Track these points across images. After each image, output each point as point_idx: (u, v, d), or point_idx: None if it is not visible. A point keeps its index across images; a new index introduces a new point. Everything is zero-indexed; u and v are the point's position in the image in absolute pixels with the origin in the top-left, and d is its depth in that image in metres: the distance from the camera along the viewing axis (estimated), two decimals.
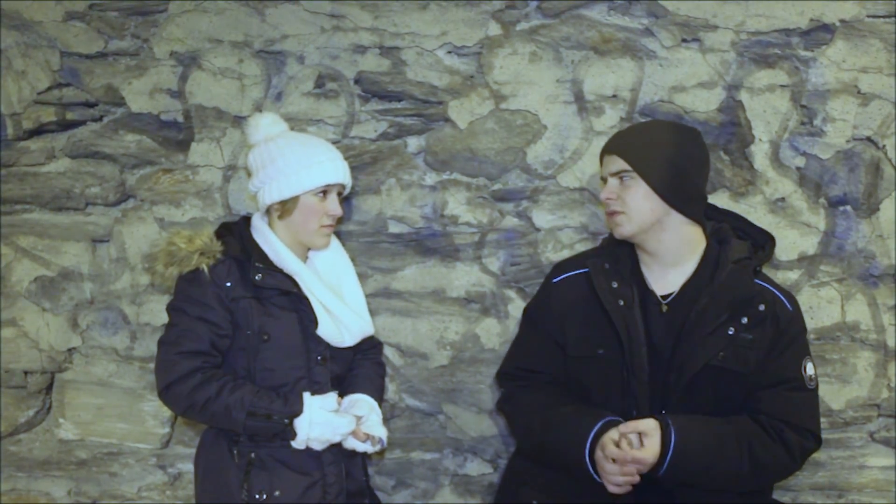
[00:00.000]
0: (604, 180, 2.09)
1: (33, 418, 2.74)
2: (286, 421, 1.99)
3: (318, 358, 2.10)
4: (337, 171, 2.11)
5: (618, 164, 2.02)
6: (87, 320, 2.69)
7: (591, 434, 1.95)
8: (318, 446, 2.03)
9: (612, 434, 1.93)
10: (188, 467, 2.67)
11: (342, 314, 2.13)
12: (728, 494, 1.99)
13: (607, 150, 2.08)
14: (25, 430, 2.74)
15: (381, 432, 2.12)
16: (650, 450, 1.90)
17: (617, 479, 1.92)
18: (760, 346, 1.98)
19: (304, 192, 2.08)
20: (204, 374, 2.00)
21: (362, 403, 2.14)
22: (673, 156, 1.99)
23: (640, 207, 2.00)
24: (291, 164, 2.07)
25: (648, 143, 2.01)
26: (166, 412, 2.68)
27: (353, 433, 2.06)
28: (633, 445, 1.91)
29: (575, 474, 1.99)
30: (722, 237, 2.08)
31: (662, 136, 2.03)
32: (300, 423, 2.00)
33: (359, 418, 2.09)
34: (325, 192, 2.11)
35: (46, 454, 2.74)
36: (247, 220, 2.20)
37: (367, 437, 2.08)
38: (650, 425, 1.92)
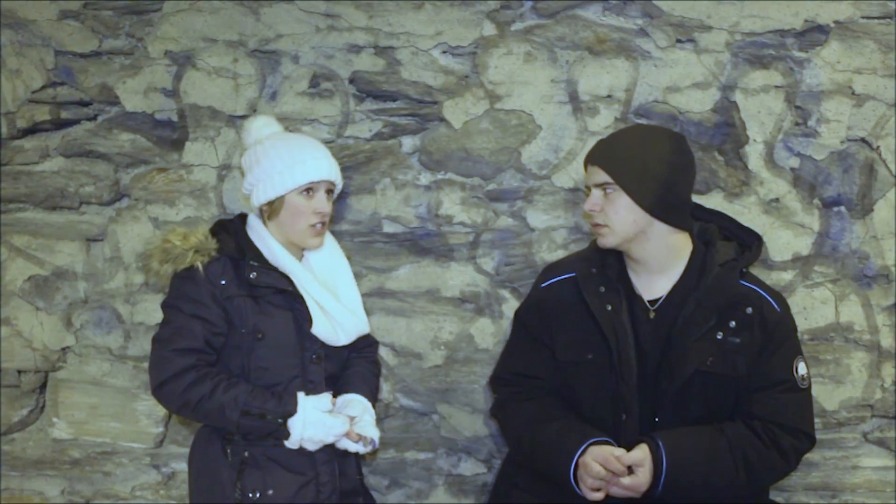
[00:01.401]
0: (588, 188, 2.07)
1: (27, 417, 2.74)
2: (280, 421, 1.99)
3: (313, 356, 2.10)
4: (319, 168, 2.08)
5: (601, 176, 1.99)
6: (81, 319, 2.68)
7: (574, 459, 1.95)
8: (311, 446, 2.03)
9: (597, 457, 1.93)
10: (182, 467, 2.67)
11: (337, 313, 2.13)
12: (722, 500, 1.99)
13: (591, 160, 2.04)
14: (19, 429, 2.74)
15: (373, 433, 2.11)
16: (642, 479, 1.91)
17: (595, 495, 1.93)
18: (749, 350, 1.97)
19: (287, 192, 2.07)
20: (198, 371, 1.99)
21: (356, 404, 2.14)
22: (657, 167, 1.96)
23: (623, 220, 1.97)
24: (275, 164, 2.07)
25: (632, 155, 1.97)
26: (160, 411, 2.67)
27: (346, 434, 2.06)
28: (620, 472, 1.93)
29: (564, 491, 2.00)
30: (708, 239, 2.07)
31: (646, 146, 1.99)
32: (294, 424, 1.99)
33: (352, 419, 2.09)
34: (310, 190, 2.09)
35: (40, 453, 2.74)
36: (243, 218, 2.20)
37: (360, 438, 2.08)
38: (641, 457, 1.92)
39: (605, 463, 1.91)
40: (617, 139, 2.08)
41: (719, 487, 1.94)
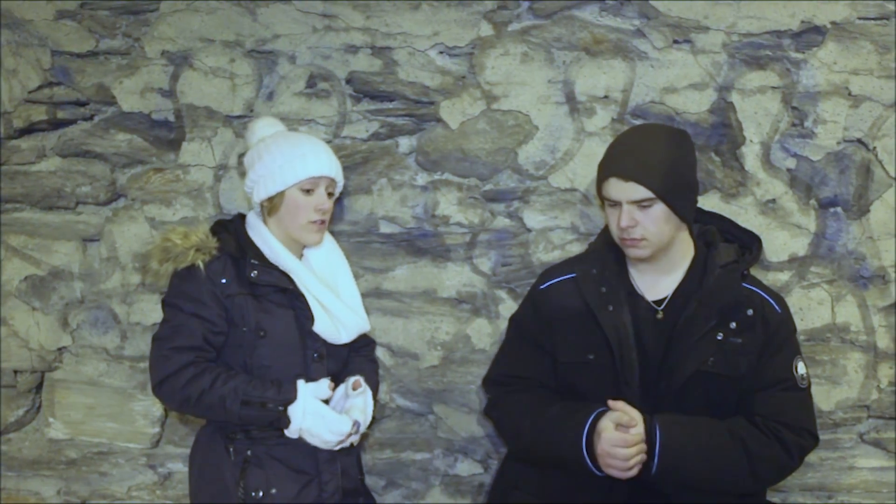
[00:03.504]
0: (607, 201, 2.00)
1: (23, 417, 2.74)
2: (280, 408, 1.98)
3: (315, 355, 2.09)
4: (319, 164, 2.08)
5: (640, 192, 1.91)
6: (78, 320, 2.68)
7: (585, 429, 1.94)
8: (311, 440, 2.01)
9: (607, 422, 1.92)
10: (178, 467, 2.67)
11: (338, 311, 2.13)
12: (723, 496, 1.98)
13: (621, 176, 1.94)
14: (15, 429, 2.74)
15: (358, 416, 2.06)
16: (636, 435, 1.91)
17: (629, 463, 1.90)
18: (750, 350, 1.97)
19: (287, 187, 2.07)
20: (196, 367, 1.99)
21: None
22: (682, 171, 1.96)
23: (662, 230, 1.95)
24: (276, 159, 2.07)
25: (662, 164, 1.93)
26: (157, 412, 2.67)
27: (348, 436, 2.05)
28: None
29: (573, 472, 1.98)
30: (709, 240, 2.07)
31: (669, 150, 1.96)
32: (294, 411, 1.99)
33: (355, 423, 2.07)
34: (310, 189, 2.09)
35: (36, 454, 2.74)
36: (243, 217, 2.20)
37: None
38: (636, 414, 1.93)
39: (618, 420, 1.91)
40: (640, 149, 1.98)
41: (722, 473, 1.93)
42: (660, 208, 1.94)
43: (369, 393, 2.14)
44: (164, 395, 2.03)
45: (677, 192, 1.95)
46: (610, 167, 1.98)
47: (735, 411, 2.00)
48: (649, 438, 1.90)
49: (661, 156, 1.96)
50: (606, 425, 1.92)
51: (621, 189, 1.95)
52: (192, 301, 2.02)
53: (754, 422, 1.97)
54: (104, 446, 2.72)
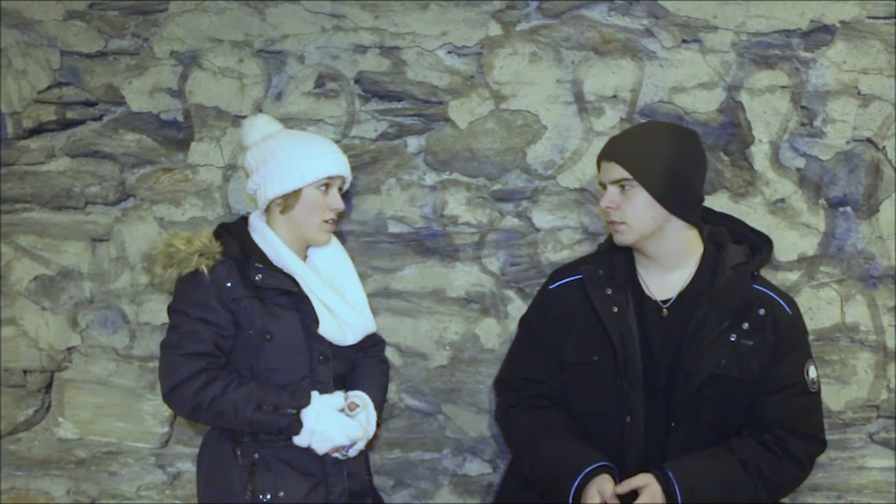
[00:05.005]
0: (602, 185, 2.06)
1: (32, 417, 2.74)
2: (293, 412, 1.98)
3: (321, 357, 2.10)
4: (338, 163, 2.12)
5: (618, 172, 1.98)
6: (87, 319, 2.69)
7: (572, 491, 1.95)
8: (320, 444, 2.01)
9: (594, 491, 1.92)
10: (187, 466, 2.67)
11: (343, 312, 2.13)
12: None
13: (606, 157, 2.04)
14: (25, 428, 2.74)
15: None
16: (651, 492, 1.90)
17: None
18: (762, 352, 1.97)
19: (306, 185, 2.08)
20: (208, 374, 1.99)
21: (360, 401, 2.14)
22: (673, 162, 1.96)
23: (641, 216, 1.97)
24: (293, 156, 2.07)
25: (649, 150, 1.97)
26: (166, 411, 2.68)
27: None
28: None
29: None
30: (719, 241, 2.07)
31: (662, 141, 2.00)
32: (307, 415, 1.99)
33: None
34: (327, 185, 2.10)
35: (46, 453, 2.74)
36: (245, 219, 2.20)
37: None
38: (644, 481, 1.91)
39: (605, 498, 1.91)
40: (631, 135, 2.08)
41: None
42: (640, 193, 1.97)
43: (371, 406, 2.14)
44: (175, 403, 2.03)
45: (658, 178, 1.95)
46: (601, 152, 2.07)
47: (745, 414, 1.99)
48: (668, 493, 1.89)
49: (649, 143, 1.99)
50: (593, 493, 1.93)
51: (605, 170, 2.03)
52: (198, 306, 2.02)
53: (763, 441, 1.96)
54: (113, 446, 2.72)
